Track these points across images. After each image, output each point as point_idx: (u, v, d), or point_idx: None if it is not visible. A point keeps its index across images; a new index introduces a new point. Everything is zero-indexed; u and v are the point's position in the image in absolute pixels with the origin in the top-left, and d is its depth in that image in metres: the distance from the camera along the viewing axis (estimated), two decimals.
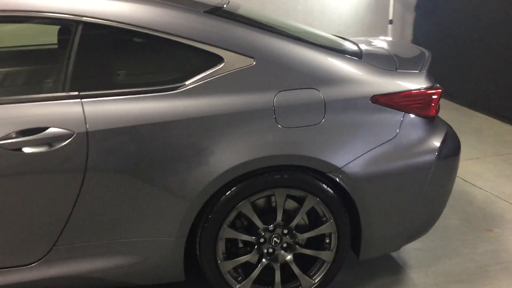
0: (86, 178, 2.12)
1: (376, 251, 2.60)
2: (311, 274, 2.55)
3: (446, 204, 2.70)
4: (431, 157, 2.45)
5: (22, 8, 2.15)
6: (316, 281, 2.54)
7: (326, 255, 2.52)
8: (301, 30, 2.91)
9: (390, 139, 2.40)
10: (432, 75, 2.61)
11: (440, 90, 2.51)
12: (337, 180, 2.36)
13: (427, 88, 2.49)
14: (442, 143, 2.49)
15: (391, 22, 7.06)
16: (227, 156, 2.21)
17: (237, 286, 2.45)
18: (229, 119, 2.23)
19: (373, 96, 2.40)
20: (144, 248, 2.29)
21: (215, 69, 2.26)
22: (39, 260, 2.23)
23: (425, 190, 2.47)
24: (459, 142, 2.68)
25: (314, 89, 2.35)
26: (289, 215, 2.45)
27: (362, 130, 2.39)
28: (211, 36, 2.29)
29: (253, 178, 2.29)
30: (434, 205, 2.62)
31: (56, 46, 2.71)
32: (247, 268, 2.48)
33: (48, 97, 2.15)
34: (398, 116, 2.43)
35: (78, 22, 2.17)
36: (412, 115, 2.45)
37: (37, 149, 2.07)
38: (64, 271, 2.25)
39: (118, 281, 2.34)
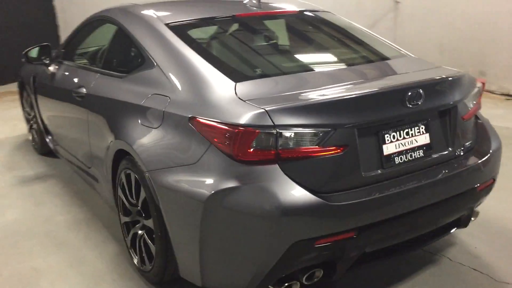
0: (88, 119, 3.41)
1: (188, 274, 2.51)
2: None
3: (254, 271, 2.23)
4: (201, 197, 2.22)
5: None
6: (149, 268, 2.79)
7: (152, 247, 2.73)
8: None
9: (190, 164, 2.34)
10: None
11: (258, 131, 2.15)
12: (147, 181, 2.57)
13: (232, 125, 2.19)
14: (228, 191, 2.16)
15: None
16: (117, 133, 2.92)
17: (126, 238, 3.07)
18: (129, 107, 2.89)
19: (190, 117, 2.37)
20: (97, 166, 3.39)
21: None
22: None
23: (202, 235, 2.27)
24: (281, 203, 2.12)
25: (168, 97, 2.61)
26: None
27: (175, 146, 2.45)
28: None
29: (126, 155, 2.85)
30: (222, 266, 2.31)
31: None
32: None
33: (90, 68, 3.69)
34: (204, 144, 2.29)
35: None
36: (216, 149, 2.25)
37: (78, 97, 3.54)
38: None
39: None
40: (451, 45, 7.64)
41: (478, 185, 2.62)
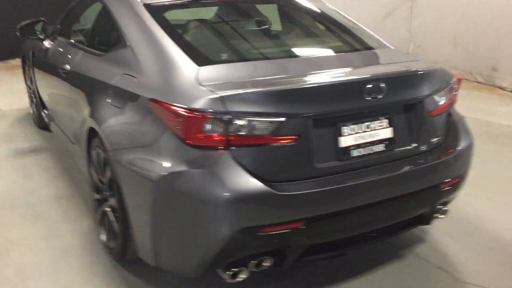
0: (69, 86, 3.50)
1: (144, 254, 2.52)
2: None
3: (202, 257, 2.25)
4: (152, 179, 2.24)
5: None
6: (113, 245, 2.84)
7: (116, 226, 2.74)
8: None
9: (147, 146, 2.35)
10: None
11: (208, 116, 2.13)
12: (109, 160, 2.61)
13: (184, 109, 2.18)
14: (178, 174, 2.18)
15: None
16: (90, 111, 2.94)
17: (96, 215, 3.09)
18: (102, 86, 2.90)
19: (150, 99, 2.37)
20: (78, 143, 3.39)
21: None
22: None
23: (154, 217, 2.29)
24: (231, 191, 2.12)
25: (135, 77, 2.61)
26: None
27: (136, 127, 2.47)
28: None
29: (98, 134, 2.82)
30: (172, 248, 2.35)
31: None
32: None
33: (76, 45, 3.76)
34: (160, 127, 2.29)
35: None
36: (170, 132, 2.25)
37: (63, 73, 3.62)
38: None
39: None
40: (465, 38, 7.44)
41: (442, 183, 2.58)
